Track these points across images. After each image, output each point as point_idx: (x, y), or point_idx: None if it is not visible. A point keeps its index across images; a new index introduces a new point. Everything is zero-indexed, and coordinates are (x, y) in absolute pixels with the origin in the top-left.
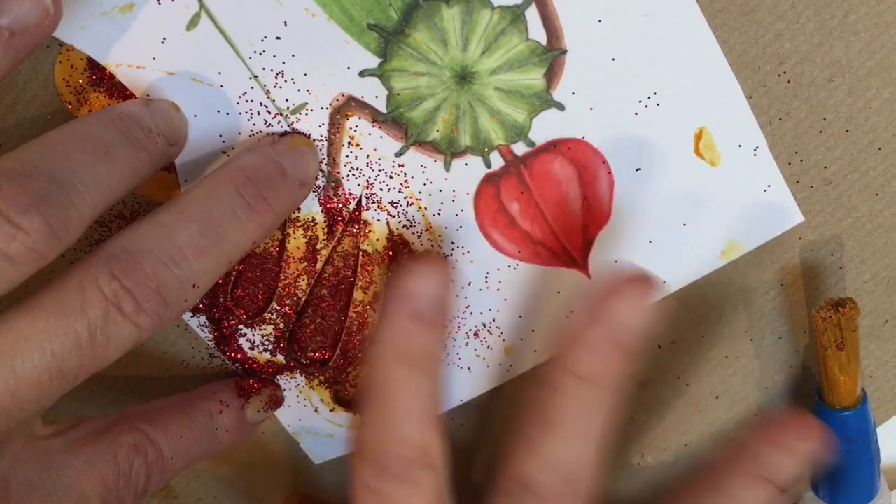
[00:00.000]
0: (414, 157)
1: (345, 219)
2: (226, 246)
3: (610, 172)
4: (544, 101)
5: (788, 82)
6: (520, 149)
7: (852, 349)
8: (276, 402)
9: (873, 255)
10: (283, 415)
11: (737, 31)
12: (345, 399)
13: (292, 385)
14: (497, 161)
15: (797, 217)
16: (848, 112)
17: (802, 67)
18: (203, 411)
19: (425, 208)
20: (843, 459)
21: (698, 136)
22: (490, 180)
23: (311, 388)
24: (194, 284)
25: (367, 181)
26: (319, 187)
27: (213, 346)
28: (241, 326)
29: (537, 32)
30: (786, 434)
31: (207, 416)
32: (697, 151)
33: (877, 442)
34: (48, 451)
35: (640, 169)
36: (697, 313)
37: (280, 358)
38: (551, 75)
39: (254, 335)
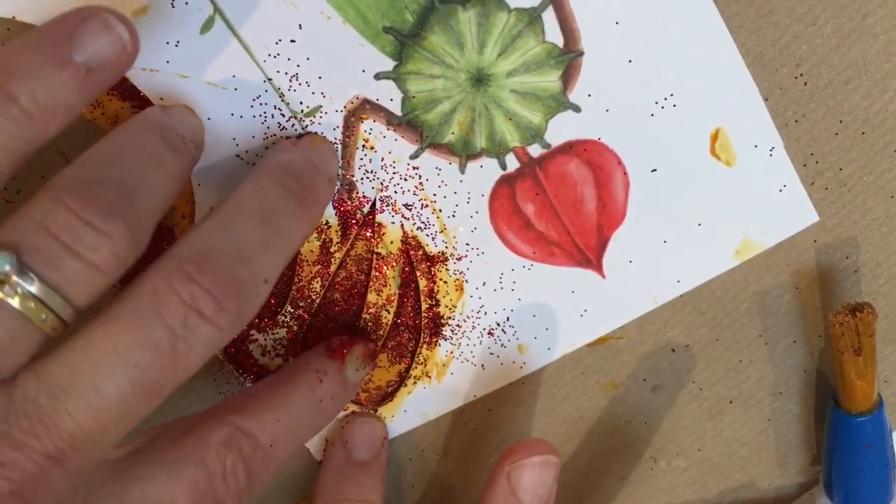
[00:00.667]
0: (429, 159)
1: (359, 222)
2: (285, 240)
3: (625, 174)
4: (560, 102)
5: (805, 84)
6: (535, 151)
7: (869, 354)
8: (371, 354)
9: (889, 257)
10: None
11: (754, 33)
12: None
13: None
14: (512, 163)
15: (812, 216)
16: (864, 114)
17: (819, 70)
18: (300, 386)
19: (440, 210)
20: (858, 465)
21: (714, 137)
22: (505, 182)
23: None
24: (265, 279)
25: (382, 184)
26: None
27: (221, 355)
28: (252, 331)
29: (554, 34)
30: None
31: (307, 389)
32: (713, 152)
33: (892, 447)
34: (126, 470)
35: (655, 170)
36: (711, 317)
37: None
38: (567, 77)
39: (266, 339)
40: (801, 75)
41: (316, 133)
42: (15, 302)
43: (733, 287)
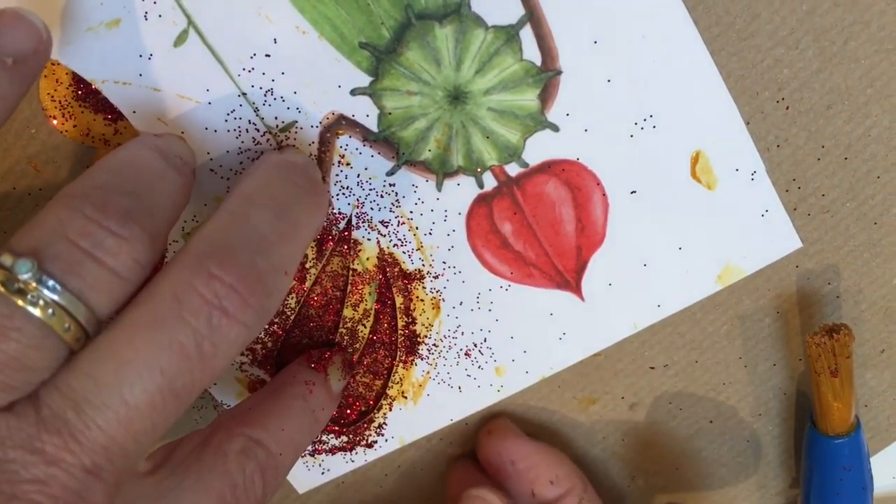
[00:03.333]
0: (405, 176)
1: (334, 238)
2: (301, 230)
3: (605, 195)
4: (538, 121)
5: (787, 109)
6: (513, 169)
7: (846, 376)
8: (349, 364)
9: (871, 284)
10: None
11: (735, 55)
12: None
13: None
14: (490, 181)
15: (795, 242)
16: (847, 140)
17: (801, 94)
18: (295, 397)
19: (416, 228)
20: (835, 487)
21: (695, 160)
22: (482, 201)
23: None
24: (286, 271)
25: (358, 200)
26: None
27: None
28: None
29: (532, 52)
30: None
31: (301, 399)
32: (694, 175)
33: (870, 470)
34: (157, 483)
35: (635, 191)
36: (691, 338)
37: (266, 377)
38: (545, 96)
39: (239, 356)
40: (783, 99)
41: (294, 147)
42: (37, 311)
43: (713, 310)
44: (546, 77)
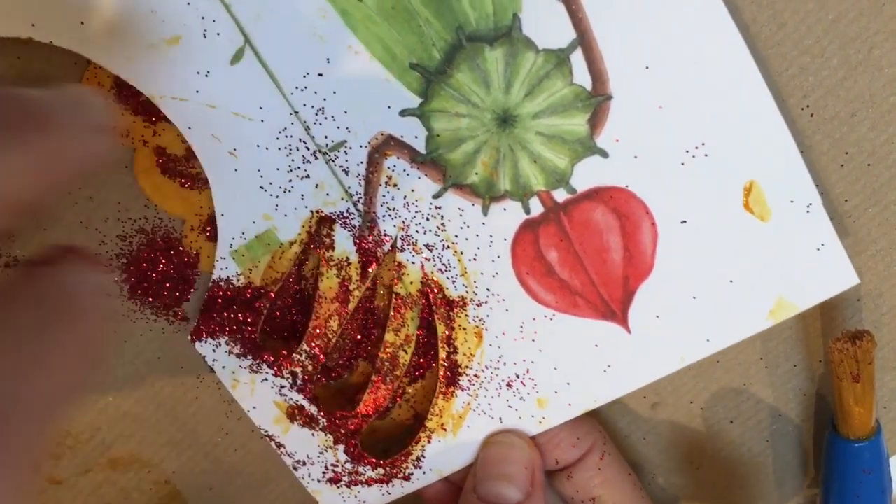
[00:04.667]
0: (452, 199)
1: (379, 260)
2: None
3: (654, 224)
4: (587, 147)
5: (812, 116)
6: (560, 195)
7: (868, 381)
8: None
9: (891, 288)
10: (306, 471)
11: (761, 63)
12: (369, 449)
13: (315, 442)
14: (536, 207)
15: (852, 278)
16: (870, 146)
17: (826, 101)
18: None
19: (461, 253)
20: (855, 489)
21: (748, 190)
22: (529, 227)
23: (335, 443)
24: None
25: (403, 222)
26: (354, 227)
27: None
28: (265, 369)
29: (582, 77)
30: None
31: None
32: (747, 206)
33: (889, 473)
34: None
35: (685, 221)
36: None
37: (305, 403)
38: (595, 121)
39: (277, 378)
40: (808, 106)
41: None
42: None
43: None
44: (596, 102)
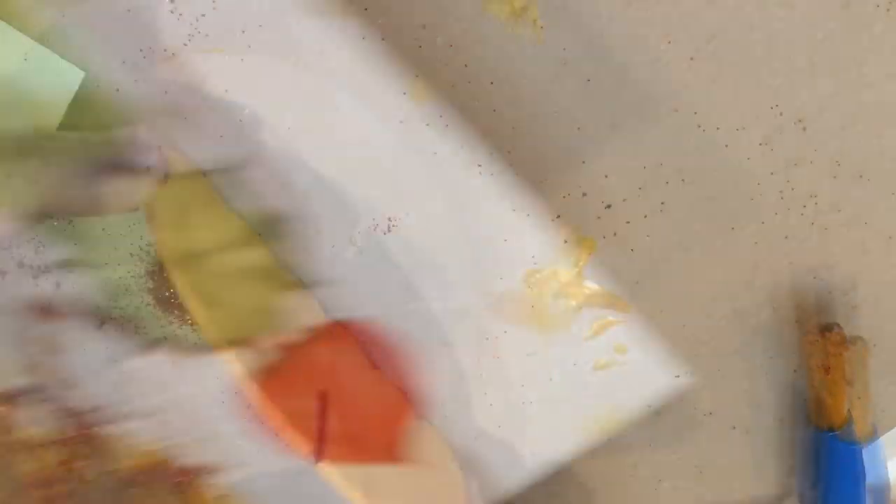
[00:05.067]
0: None
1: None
2: None
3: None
4: None
5: (804, 129)
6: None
7: (838, 372)
8: None
9: (887, 295)
10: None
11: (754, 81)
12: None
13: None
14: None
15: None
16: (861, 158)
17: (817, 115)
18: None
19: None
20: (830, 478)
21: None
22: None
23: None
24: None
25: None
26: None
27: None
28: None
29: None
30: None
31: None
32: None
33: (863, 463)
34: None
35: None
36: (713, 347)
37: None
38: None
39: None
40: (801, 121)
41: None
42: None
43: (735, 320)
44: None
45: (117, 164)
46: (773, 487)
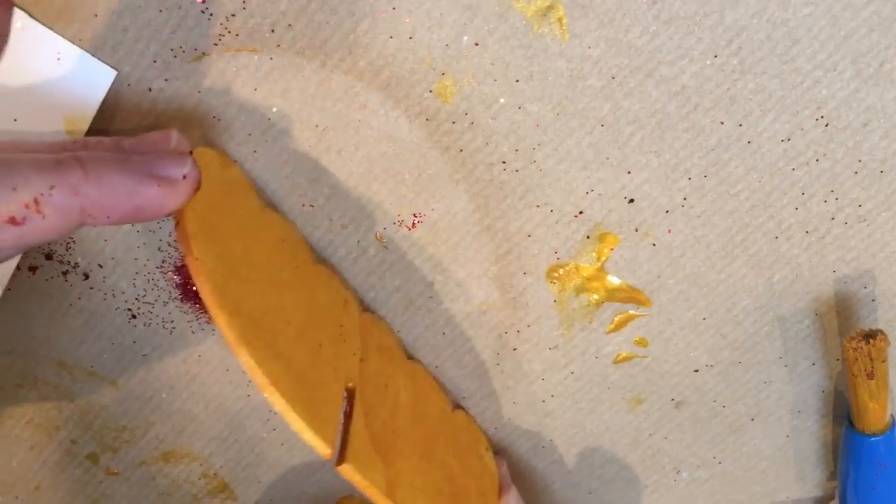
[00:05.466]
0: None
1: None
2: None
3: None
4: None
5: (826, 126)
6: None
7: (882, 378)
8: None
9: None
10: None
11: (777, 77)
12: None
13: None
14: None
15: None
16: (882, 154)
17: (839, 112)
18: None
19: None
20: (871, 481)
21: None
22: None
23: None
24: None
25: None
26: None
27: None
28: None
29: None
30: None
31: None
32: None
33: None
34: None
35: None
36: (733, 339)
37: None
38: None
39: None
40: (822, 117)
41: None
42: None
43: (754, 312)
44: None
45: (152, 171)
46: (815, 490)
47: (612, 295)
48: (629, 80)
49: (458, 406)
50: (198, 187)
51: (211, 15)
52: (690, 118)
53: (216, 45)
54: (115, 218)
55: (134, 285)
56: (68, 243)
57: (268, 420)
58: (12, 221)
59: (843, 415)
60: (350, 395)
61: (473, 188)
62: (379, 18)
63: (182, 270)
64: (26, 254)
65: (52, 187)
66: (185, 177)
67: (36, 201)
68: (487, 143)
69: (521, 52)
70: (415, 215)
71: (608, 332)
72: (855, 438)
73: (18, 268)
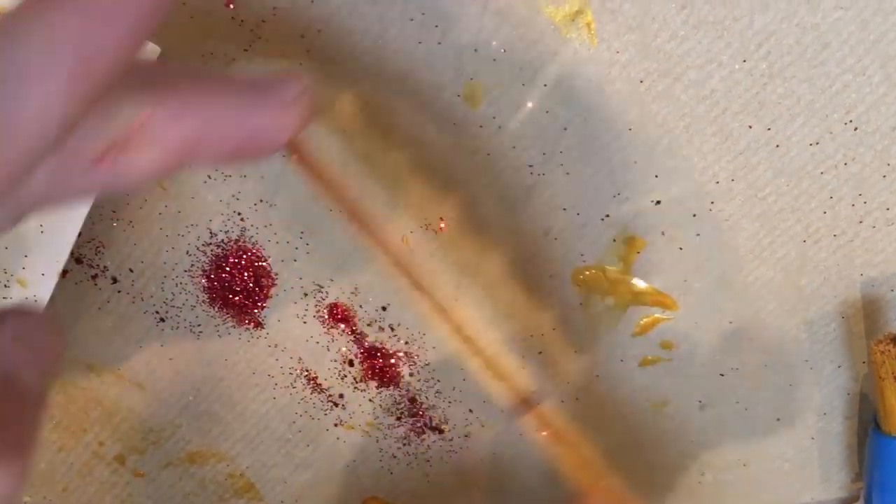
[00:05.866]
0: None
1: None
2: None
3: None
4: None
5: (855, 130)
6: None
7: None
8: None
9: None
10: None
11: (806, 82)
12: None
13: None
14: None
15: None
16: None
17: (868, 116)
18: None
19: None
20: None
21: None
22: None
23: None
24: None
25: None
26: None
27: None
28: None
29: None
30: None
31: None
32: None
33: None
34: None
35: None
36: (760, 343)
37: None
38: None
39: None
40: (851, 121)
41: None
42: None
43: (781, 315)
44: None
45: (262, 94)
46: (839, 492)
47: (639, 298)
48: (657, 85)
49: None
50: (311, 116)
51: (242, 21)
52: (719, 122)
53: (246, 50)
54: (223, 153)
55: (162, 289)
56: (98, 247)
57: (293, 422)
58: (103, 158)
59: (867, 417)
60: None
61: (501, 192)
62: (408, 24)
63: (208, 275)
64: None
65: (149, 115)
66: (297, 100)
67: (131, 131)
68: (515, 147)
69: (550, 56)
70: (441, 219)
71: (634, 336)
72: (882, 440)
73: None
